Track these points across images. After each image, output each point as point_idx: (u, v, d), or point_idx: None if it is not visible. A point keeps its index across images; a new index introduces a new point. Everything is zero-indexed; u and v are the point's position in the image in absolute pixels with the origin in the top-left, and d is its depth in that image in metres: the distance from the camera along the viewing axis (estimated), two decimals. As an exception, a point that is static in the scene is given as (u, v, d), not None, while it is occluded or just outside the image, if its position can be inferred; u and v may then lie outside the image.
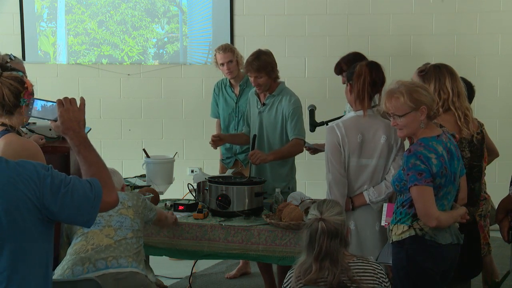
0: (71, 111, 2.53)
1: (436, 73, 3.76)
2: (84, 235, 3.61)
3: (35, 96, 2.88)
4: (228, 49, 5.65)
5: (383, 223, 3.62)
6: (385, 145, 3.72)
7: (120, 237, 3.62)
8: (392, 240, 3.41)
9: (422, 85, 3.43)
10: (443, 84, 3.72)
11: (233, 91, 5.70)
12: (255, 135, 4.82)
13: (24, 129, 3.71)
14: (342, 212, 3.04)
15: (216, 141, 5.12)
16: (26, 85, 3.08)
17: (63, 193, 2.32)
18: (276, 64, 4.92)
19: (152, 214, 3.95)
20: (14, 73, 3.11)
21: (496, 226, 4.11)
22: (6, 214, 2.26)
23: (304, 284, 2.95)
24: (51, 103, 2.57)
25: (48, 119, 2.60)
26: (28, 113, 2.61)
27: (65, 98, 2.55)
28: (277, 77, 4.95)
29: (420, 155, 3.24)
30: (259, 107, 5.00)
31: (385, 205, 3.63)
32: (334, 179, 3.74)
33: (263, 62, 4.81)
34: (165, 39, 7.20)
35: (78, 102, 2.58)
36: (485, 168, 4.24)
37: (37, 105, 2.59)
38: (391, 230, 3.43)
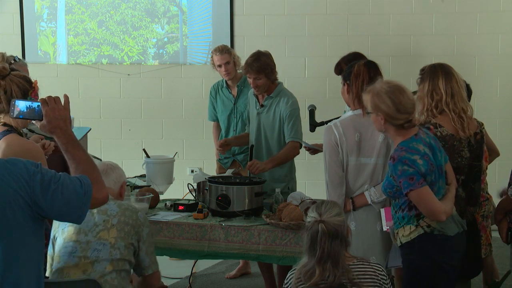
0: (57, 110, 2.52)
1: (430, 73, 3.75)
2: (59, 271, 3.25)
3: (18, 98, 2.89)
4: (225, 51, 5.64)
5: (385, 229, 3.61)
6: (383, 144, 3.71)
7: (98, 273, 3.20)
8: (400, 242, 3.40)
9: (392, 92, 3.28)
10: (436, 85, 3.70)
11: (230, 92, 5.70)
12: (252, 145, 4.83)
13: (24, 129, 3.71)
14: (341, 213, 3.02)
15: (225, 147, 5.13)
16: (33, 85, 3.14)
17: (53, 190, 2.33)
18: (275, 65, 4.91)
19: (146, 263, 3.37)
20: (22, 72, 3.18)
21: (496, 226, 4.12)
22: None
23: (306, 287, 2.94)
24: (36, 103, 2.56)
25: (34, 119, 2.60)
26: (10, 114, 2.60)
27: (49, 97, 2.55)
28: (276, 79, 4.94)
29: (405, 160, 3.25)
30: (257, 108, 4.99)
31: (382, 210, 3.63)
32: (331, 179, 3.75)
33: (263, 64, 4.81)
34: (165, 39, 7.20)
35: (62, 100, 2.58)
36: (486, 168, 4.24)
37: (21, 106, 2.57)
38: (397, 233, 3.43)
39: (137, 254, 3.37)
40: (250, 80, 4.90)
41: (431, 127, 3.62)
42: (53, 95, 2.57)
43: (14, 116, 2.59)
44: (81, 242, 3.27)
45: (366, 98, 3.38)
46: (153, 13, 7.18)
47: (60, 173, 2.41)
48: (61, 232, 3.34)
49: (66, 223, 3.29)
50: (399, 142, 3.33)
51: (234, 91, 5.66)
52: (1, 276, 2.29)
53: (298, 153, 4.89)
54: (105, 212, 3.33)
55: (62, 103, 2.57)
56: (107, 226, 3.30)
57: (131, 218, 3.35)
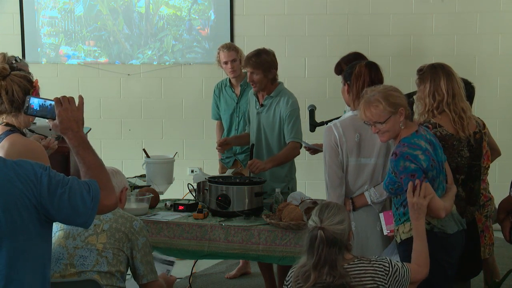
0: (70, 110, 2.49)
1: (431, 74, 3.73)
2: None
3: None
4: (232, 48, 5.65)
5: (385, 233, 3.61)
6: (383, 144, 3.71)
7: None
8: (400, 239, 3.41)
9: (394, 88, 3.48)
10: (438, 86, 3.69)
11: (233, 92, 5.70)
12: (253, 145, 4.83)
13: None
14: (344, 220, 2.97)
15: (224, 146, 5.13)
16: (34, 84, 3.13)
17: (60, 194, 2.31)
18: (276, 65, 4.90)
19: (141, 271, 3.24)
20: (22, 72, 3.17)
21: (497, 226, 4.12)
22: (4, 212, 2.26)
23: None
24: (49, 102, 2.53)
25: (46, 118, 2.56)
26: (24, 111, 2.59)
27: (63, 97, 2.51)
28: (275, 79, 4.93)
29: (407, 155, 3.28)
30: (257, 107, 4.99)
31: (382, 215, 3.63)
32: (331, 180, 3.75)
33: (262, 60, 4.80)
34: (165, 39, 7.19)
35: (77, 101, 2.54)
36: (488, 167, 4.24)
37: (35, 104, 2.55)
38: (397, 230, 3.44)
39: (131, 262, 3.29)
40: (248, 74, 4.90)
41: (430, 126, 3.63)
42: (52, 96, 2.54)
43: (28, 113, 2.56)
44: (68, 247, 3.20)
45: (378, 109, 3.36)
46: (153, 13, 7.17)
47: (69, 177, 2.38)
48: (53, 236, 3.21)
49: (57, 226, 3.28)
50: (401, 138, 3.38)
51: (237, 90, 5.66)
52: (6, 277, 2.28)
53: (298, 153, 4.89)
54: (98, 216, 3.17)
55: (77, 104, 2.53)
56: (97, 231, 3.22)
57: (124, 226, 3.26)
